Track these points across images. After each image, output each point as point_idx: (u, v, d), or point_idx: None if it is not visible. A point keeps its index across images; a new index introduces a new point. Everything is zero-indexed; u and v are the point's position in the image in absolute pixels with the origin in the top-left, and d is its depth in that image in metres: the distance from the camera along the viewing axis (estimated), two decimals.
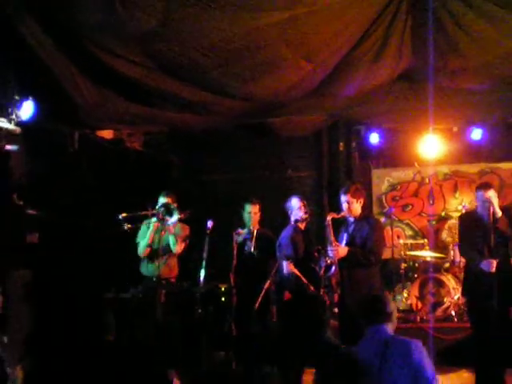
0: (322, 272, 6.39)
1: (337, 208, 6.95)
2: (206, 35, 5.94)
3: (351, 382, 4.17)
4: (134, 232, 7.85)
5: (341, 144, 11.17)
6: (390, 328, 4.47)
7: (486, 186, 6.93)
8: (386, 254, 9.77)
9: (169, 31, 5.84)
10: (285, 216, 7.62)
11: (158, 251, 7.58)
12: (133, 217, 7.68)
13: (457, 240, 9.43)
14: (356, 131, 11.16)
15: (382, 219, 9.82)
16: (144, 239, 7.73)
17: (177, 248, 7.69)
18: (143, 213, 7.62)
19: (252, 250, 7.64)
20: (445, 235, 10.38)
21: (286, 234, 7.27)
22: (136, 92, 7.23)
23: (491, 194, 6.75)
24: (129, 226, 7.61)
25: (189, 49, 6.21)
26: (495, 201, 6.74)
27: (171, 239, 7.59)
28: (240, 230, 7.59)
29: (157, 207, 7.52)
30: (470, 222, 6.93)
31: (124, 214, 7.45)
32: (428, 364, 4.26)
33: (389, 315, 4.48)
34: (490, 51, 6.94)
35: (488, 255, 6.63)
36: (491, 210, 6.64)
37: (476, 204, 7.04)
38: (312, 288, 6.91)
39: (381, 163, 11.43)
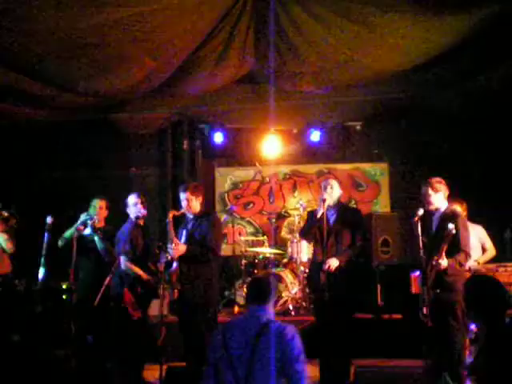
0: (162, 268, 6.42)
1: (180, 205, 7.00)
2: (48, 28, 5.82)
3: None
4: None
5: (185, 142, 11.22)
6: (271, 310, 4.50)
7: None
8: (228, 251, 9.97)
9: (10, 23, 5.66)
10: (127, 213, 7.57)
11: None
12: None
13: (295, 237, 9.82)
14: (200, 130, 11.23)
15: (224, 217, 10.00)
16: None
17: (9, 246, 7.54)
18: None
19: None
20: (284, 233, 10.74)
21: (124, 229, 7.23)
22: None
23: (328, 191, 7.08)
24: None
25: (31, 42, 6.05)
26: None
27: (1, 238, 7.40)
28: (80, 227, 7.45)
29: None
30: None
31: None
32: (301, 353, 4.39)
33: (271, 294, 4.50)
34: (328, 57, 7.26)
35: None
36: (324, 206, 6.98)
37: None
38: (152, 283, 6.93)
39: (224, 162, 11.59)
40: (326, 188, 7.07)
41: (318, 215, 6.94)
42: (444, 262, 6.18)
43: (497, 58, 7.38)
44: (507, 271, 7.62)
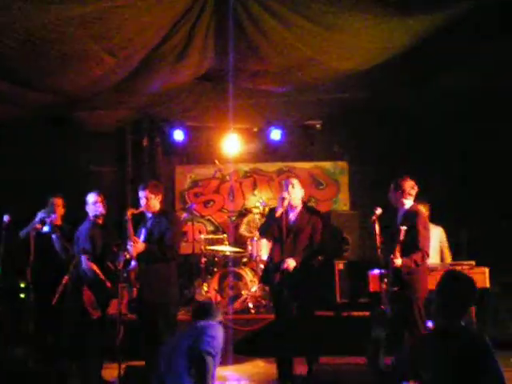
0: (121, 267, 6.39)
1: (139, 203, 6.97)
2: (6, 25, 5.72)
3: None
4: None
5: (144, 140, 11.19)
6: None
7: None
8: (187, 249, 9.95)
9: None
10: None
11: None
12: None
13: (254, 236, 9.85)
14: (160, 127, 11.20)
15: (184, 215, 9.96)
16: None
17: None
18: None
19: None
20: (244, 230, 10.74)
21: (83, 228, 7.18)
22: None
23: (289, 190, 7.11)
24: None
25: None
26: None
27: None
28: (38, 225, 7.37)
29: None
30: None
31: None
32: (214, 342, 4.64)
33: (212, 315, 4.94)
34: (288, 57, 7.26)
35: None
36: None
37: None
38: (109, 284, 6.88)
39: (184, 160, 11.58)
40: (286, 187, 7.11)
41: (277, 214, 6.98)
42: (398, 261, 6.30)
43: (455, 60, 7.48)
44: (463, 270, 7.74)
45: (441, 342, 3.98)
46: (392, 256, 6.31)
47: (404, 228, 6.30)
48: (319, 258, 7.13)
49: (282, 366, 6.98)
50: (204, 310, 4.93)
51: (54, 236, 7.42)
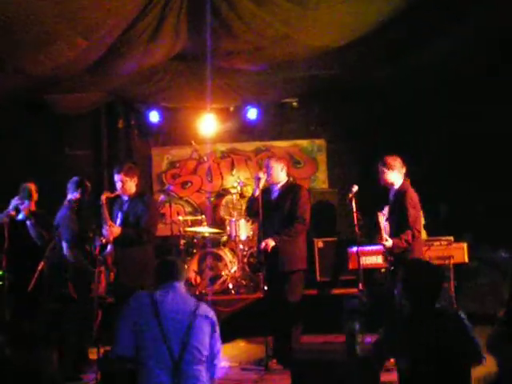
0: (97, 251, 6.34)
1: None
2: None
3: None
4: None
5: (120, 122, 11.09)
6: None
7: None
8: (166, 231, 9.88)
9: None
10: (63, 195, 7.43)
11: None
12: None
13: (232, 216, 9.82)
14: (135, 109, 11.11)
15: (161, 197, 9.90)
16: None
17: None
18: None
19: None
20: (222, 211, 10.71)
21: (61, 214, 7.10)
22: None
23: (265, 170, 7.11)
24: None
25: None
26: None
27: None
28: (12, 212, 7.28)
29: None
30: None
31: None
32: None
33: (181, 275, 4.78)
34: (263, 35, 7.19)
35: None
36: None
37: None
38: (89, 271, 6.84)
39: (160, 141, 11.49)
40: (263, 167, 7.14)
41: (255, 195, 6.98)
42: (388, 243, 6.32)
43: (430, 35, 7.46)
44: (441, 245, 7.80)
45: (416, 328, 3.97)
46: (379, 239, 6.33)
47: (380, 214, 6.34)
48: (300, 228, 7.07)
49: (277, 342, 7.01)
50: (172, 269, 4.72)
51: (28, 222, 7.34)
